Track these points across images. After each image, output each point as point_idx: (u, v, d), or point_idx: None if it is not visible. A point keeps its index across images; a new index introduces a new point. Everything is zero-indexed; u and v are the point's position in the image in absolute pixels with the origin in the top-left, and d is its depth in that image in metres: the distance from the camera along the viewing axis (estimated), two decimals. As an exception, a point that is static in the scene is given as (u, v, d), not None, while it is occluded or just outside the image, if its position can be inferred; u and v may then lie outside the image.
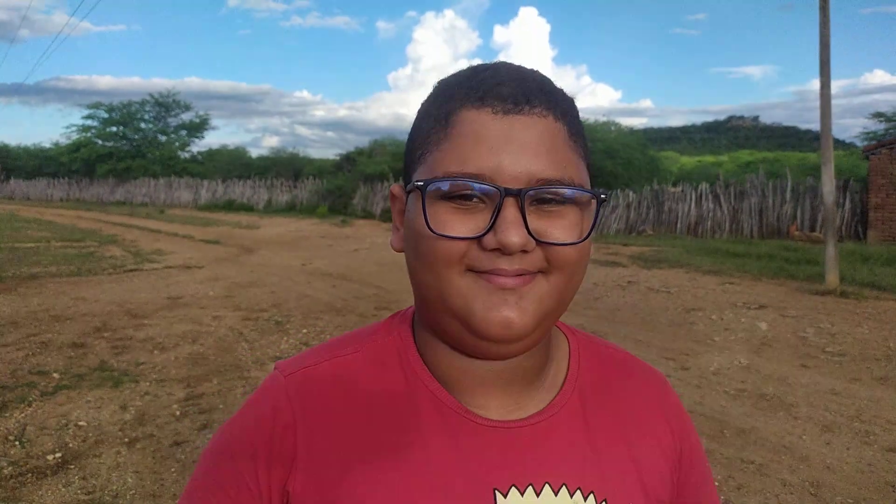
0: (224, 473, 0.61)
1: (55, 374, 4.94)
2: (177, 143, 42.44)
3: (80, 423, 4.00)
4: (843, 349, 5.87)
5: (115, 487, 3.22)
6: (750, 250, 12.32)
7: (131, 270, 10.79)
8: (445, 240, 0.55)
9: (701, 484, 0.73)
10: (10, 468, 3.38)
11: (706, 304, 7.82)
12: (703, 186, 17.60)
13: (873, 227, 14.31)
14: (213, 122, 42.83)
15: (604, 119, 32.64)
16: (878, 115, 28.14)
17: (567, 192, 0.56)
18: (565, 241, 0.56)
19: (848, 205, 14.97)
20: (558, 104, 0.58)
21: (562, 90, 0.61)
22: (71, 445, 3.69)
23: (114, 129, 41.61)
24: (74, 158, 41.48)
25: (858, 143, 30.35)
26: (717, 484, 3.33)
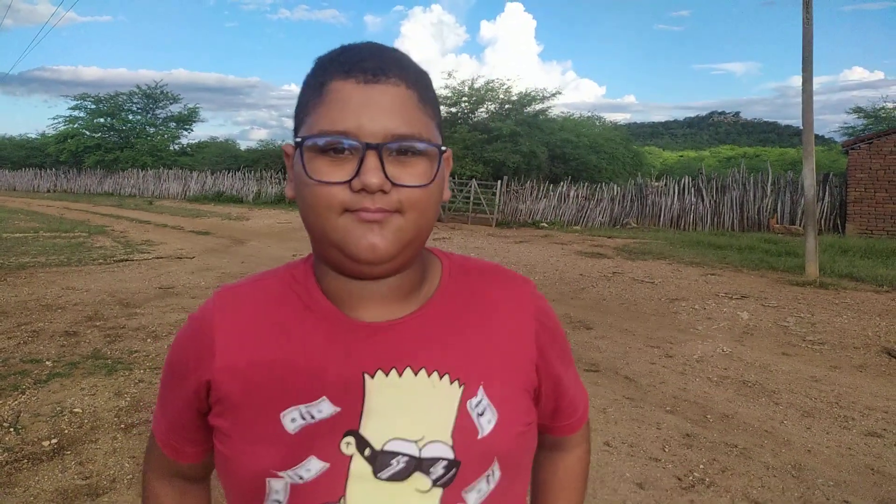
0: (171, 369, 0.81)
1: (48, 363, 4.94)
2: (166, 135, 41.86)
3: (76, 410, 4.01)
4: (822, 338, 6.01)
5: (111, 472, 3.24)
6: (731, 242, 12.48)
7: (121, 261, 10.72)
8: (323, 185, 0.68)
9: (562, 366, 0.86)
10: (4, 454, 3.38)
11: (689, 294, 7.96)
12: (686, 180, 17.79)
13: (852, 221, 14.56)
14: (201, 114, 42.03)
15: (588, 114, 32.82)
16: (857, 111, 28.53)
17: (417, 145, 0.69)
18: (414, 184, 0.69)
19: (827, 198, 15.21)
20: (410, 75, 0.71)
21: (416, 65, 0.75)
22: (66, 432, 3.70)
23: (101, 120, 40.87)
24: (62, 149, 40.64)
25: (837, 139, 30.77)
26: (701, 467, 3.43)
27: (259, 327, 0.76)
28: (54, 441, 3.57)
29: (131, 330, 6.00)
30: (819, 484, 3.26)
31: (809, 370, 5.13)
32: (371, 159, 0.67)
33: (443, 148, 0.73)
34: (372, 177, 0.66)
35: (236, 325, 0.76)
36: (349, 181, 0.67)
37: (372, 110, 0.67)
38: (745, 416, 4.16)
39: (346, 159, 0.68)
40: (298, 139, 0.70)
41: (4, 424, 3.77)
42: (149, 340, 5.66)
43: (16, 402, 4.12)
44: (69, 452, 3.45)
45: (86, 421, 3.87)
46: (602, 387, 4.66)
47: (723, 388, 4.70)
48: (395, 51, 0.74)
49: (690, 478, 3.31)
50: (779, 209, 15.96)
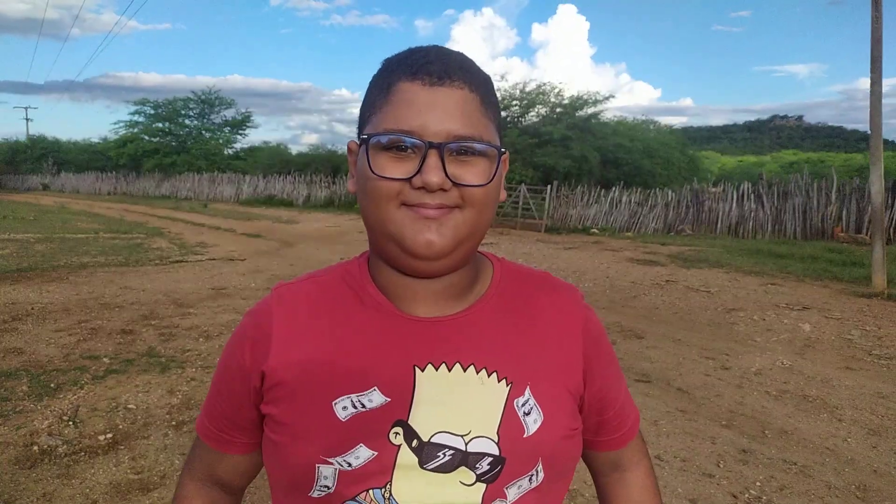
0: (229, 360, 0.83)
1: (105, 359, 5.10)
2: (221, 140, 43.12)
3: (130, 406, 4.13)
4: (890, 352, 5.72)
5: (162, 468, 3.31)
6: (793, 251, 12.06)
7: (176, 262, 11.05)
8: (384, 180, 0.70)
9: (608, 377, 0.86)
10: (64, 447, 3.51)
11: (747, 304, 7.69)
12: (745, 186, 17.26)
13: (924, 230, 13.86)
14: (254, 119, 43.02)
15: (642, 118, 32.25)
16: (930, 115, 27.22)
17: (477, 146, 0.71)
18: (474, 183, 0.71)
19: (896, 206, 14.53)
20: (473, 79, 0.74)
21: (479, 69, 0.76)
22: (121, 427, 3.81)
23: (160, 125, 42.46)
24: (122, 153, 42.43)
25: (909, 144, 29.41)
26: (758, 484, 3.29)
27: (314, 320, 0.79)
28: (109, 436, 3.68)
29: (185, 329, 6.15)
30: (887, 507, 3.09)
31: (875, 386, 4.88)
32: (432, 158, 0.69)
33: (501, 150, 0.75)
34: (433, 175, 0.68)
35: (292, 318, 0.79)
36: (410, 178, 0.70)
37: (436, 111, 0.70)
38: (805, 433, 3.98)
39: (408, 157, 0.70)
40: (364, 136, 0.73)
41: (64, 418, 3.90)
42: (201, 340, 5.79)
43: (75, 397, 4.26)
44: (123, 447, 3.55)
45: (139, 417, 3.97)
46: (653, 398, 4.53)
47: (782, 403, 4.51)
48: (460, 55, 0.76)
49: (746, 495, 3.18)
50: (844, 217, 15.33)
